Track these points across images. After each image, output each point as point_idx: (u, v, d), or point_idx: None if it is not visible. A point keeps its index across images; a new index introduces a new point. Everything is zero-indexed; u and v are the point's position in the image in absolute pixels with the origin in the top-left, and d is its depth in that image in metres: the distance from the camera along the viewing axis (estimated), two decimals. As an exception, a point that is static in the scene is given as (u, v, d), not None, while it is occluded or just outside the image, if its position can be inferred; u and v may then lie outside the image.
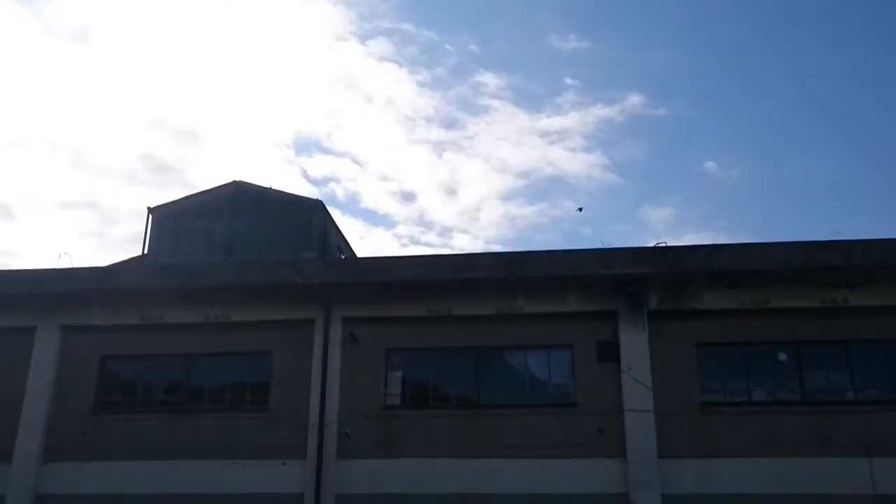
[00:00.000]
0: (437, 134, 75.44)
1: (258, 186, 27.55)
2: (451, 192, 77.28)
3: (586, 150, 73.35)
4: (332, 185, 73.06)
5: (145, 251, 26.34)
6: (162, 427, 16.30)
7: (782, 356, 15.39)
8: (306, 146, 77.16)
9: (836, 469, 14.29)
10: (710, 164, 69.02)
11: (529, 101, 76.71)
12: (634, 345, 15.35)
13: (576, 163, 72.12)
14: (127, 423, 16.48)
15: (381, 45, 78.59)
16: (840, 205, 62.40)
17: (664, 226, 68.89)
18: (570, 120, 71.78)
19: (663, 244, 16.21)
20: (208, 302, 16.58)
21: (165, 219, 26.81)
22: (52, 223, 64.55)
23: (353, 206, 72.54)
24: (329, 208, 27.83)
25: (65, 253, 28.97)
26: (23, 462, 16.21)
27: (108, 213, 67.30)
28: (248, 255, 24.16)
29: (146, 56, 73.30)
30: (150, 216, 26.95)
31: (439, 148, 75.53)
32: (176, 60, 73.85)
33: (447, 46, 78.11)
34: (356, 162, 75.11)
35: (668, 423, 14.87)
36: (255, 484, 15.48)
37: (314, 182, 73.94)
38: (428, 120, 77.56)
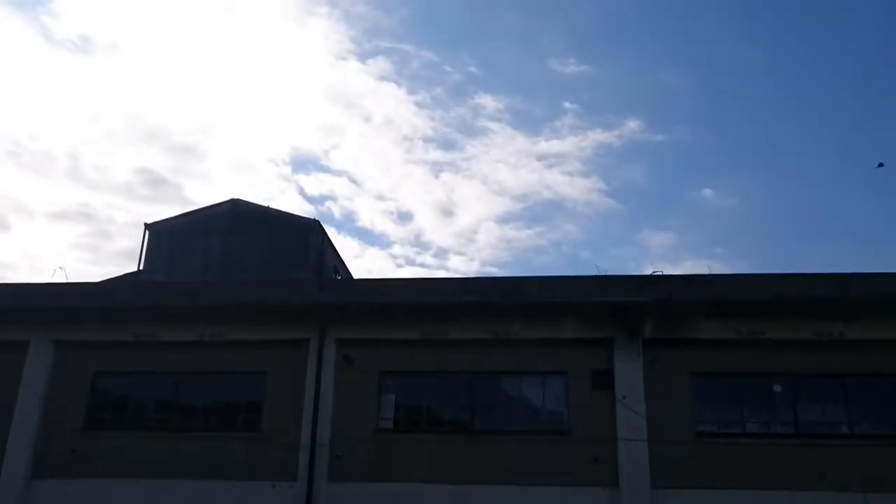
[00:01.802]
0: (435, 155, 75.78)
1: (256, 205, 27.61)
2: (448, 213, 77.45)
3: (584, 174, 73.67)
4: (328, 203, 73.21)
5: (141, 267, 26.31)
6: (153, 445, 16.16)
7: (777, 388, 15.34)
8: (304, 164, 77.39)
9: (829, 503, 14.20)
10: (707, 192, 69.31)
11: (528, 123, 77.17)
12: (629, 373, 15.30)
13: (573, 187, 72.40)
14: (117, 441, 16.32)
15: (380, 65, 79.10)
16: (837, 235, 62.64)
17: (664, 251, 69.04)
18: (568, 144, 72.17)
19: (659, 273, 16.24)
20: (203, 320, 16.50)
21: (162, 235, 26.83)
22: (45, 235, 64.49)
23: (349, 224, 72.64)
24: (325, 227, 27.88)
25: (60, 268, 28.92)
26: (11, 477, 16.04)
27: (103, 226, 67.27)
28: (244, 274, 24.16)
29: (145, 70, 73.64)
30: (147, 232, 26.97)
31: (437, 169, 75.83)
32: (175, 75, 74.21)
33: (447, 67, 78.66)
34: (353, 181, 75.35)
35: (661, 452, 14.79)
36: (245, 505, 15.31)
37: (311, 200, 74.04)
38: (426, 140, 77.91)
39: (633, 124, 73.31)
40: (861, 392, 15.22)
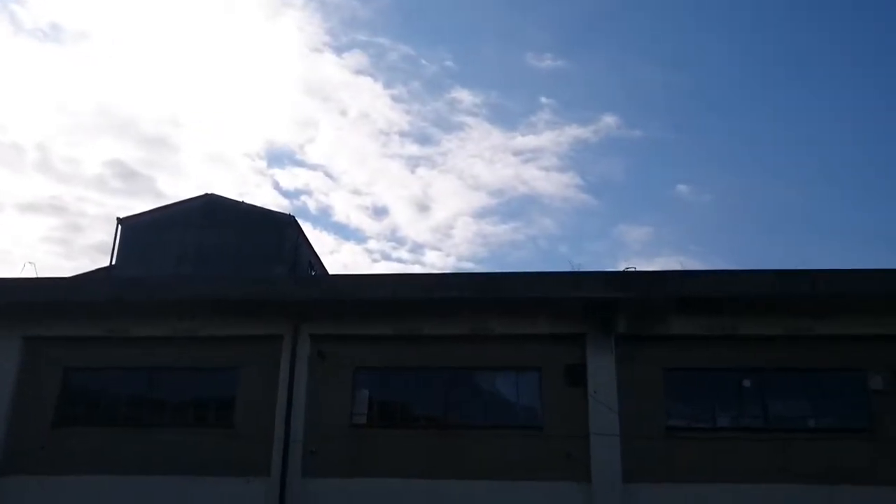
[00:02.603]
0: (411, 149, 75.79)
1: (230, 200, 27.48)
2: (424, 208, 77.49)
3: (560, 169, 74.01)
4: (303, 197, 72.99)
5: (113, 262, 26.10)
6: (124, 441, 16.06)
7: (746, 383, 15.54)
8: (279, 158, 77.07)
9: (797, 495, 14.44)
10: (682, 188, 69.87)
11: (504, 118, 77.39)
12: (602, 369, 15.42)
13: (550, 182, 72.72)
14: (89, 437, 16.21)
15: (356, 58, 78.95)
16: (809, 232, 63.40)
17: (641, 245, 69.58)
18: (545, 139, 72.45)
19: (633, 269, 16.38)
20: (175, 316, 16.42)
21: (135, 230, 26.63)
22: (15, 228, 63.67)
23: (324, 219, 72.48)
24: (300, 221, 27.82)
25: (30, 262, 28.59)
26: (-21, 475, 15.85)
27: (74, 219, 66.49)
28: (218, 269, 24.04)
29: (117, 61, 72.90)
30: (120, 227, 26.75)
31: (413, 163, 75.84)
32: (148, 65, 73.56)
33: (423, 61, 78.66)
34: (329, 175, 75.18)
35: (633, 447, 14.94)
36: (218, 501, 15.27)
37: (286, 194, 73.80)
38: (402, 135, 77.89)
39: (609, 120, 73.83)
40: (827, 387, 15.45)
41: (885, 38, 68.20)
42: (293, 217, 27.31)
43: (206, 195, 27.42)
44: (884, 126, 65.98)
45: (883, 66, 66.27)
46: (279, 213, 27.94)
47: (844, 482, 14.42)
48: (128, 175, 68.01)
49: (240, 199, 27.89)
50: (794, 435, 15.07)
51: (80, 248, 65.45)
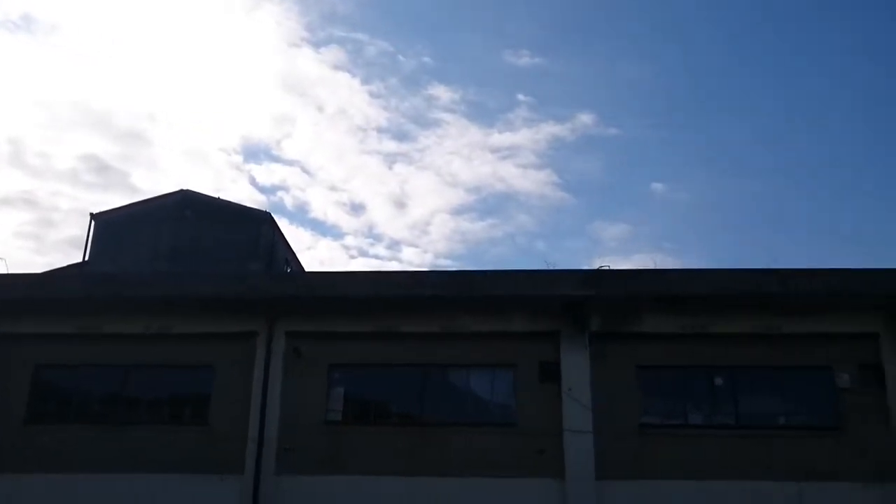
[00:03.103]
0: (389, 146, 75.71)
1: (206, 196, 27.33)
2: (401, 204, 77.44)
3: (537, 167, 74.28)
4: (280, 193, 72.67)
5: (87, 258, 25.86)
6: (97, 439, 15.94)
7: (719, 380, 15.73)
8: (255, 153, 76.64)
9: (767, 492, 14.62)
10: (658, 186, 70.39)
11: (481, 115, 77.53)
12: (576, 366, 15.53)
13: (527, 179, 72.95)
14: (61, 435, 16.07)
15: (334, 53, 78.71)
16: (780, 231, 64.13)
17: (617, 243, 69.99)
18: (522, 136, 72.68)
19: (607, 267, 16.52)
20: (149, 312, 16.33)
21: (109, 225, 26.41)
22: (-14, 221, 62.82)
23: (301, 215, 72.21)
24: (277, 217, 27.79)
25: (0, 258, 28.23)
26: (-52, 473, 15.66)
27: (47, 214, 65.69)
28: (193, 265, 23.91)
29: (91, 53, 72.17)
30: (93, 222, 26.50)
31: (390, 160, 75.76)
32: (123, 58, 72.88)
33: (401, 57, 78.57)
34: (306, 171, 74.94)
35: (607, 444, 15.06)
36: (192, 499, 15.21)
37: (262, 190, 73.39)
38: (380, 131, 77.77)
39: (586, 118, 74.22)
40: (798, 385, 15.68)
41: (856, 39, 69.13)
42: (269, 213, 27.26)
43: (182, 191, 27.25)
44: (858, 126, 66.96)
45: (856, 66, 67.19)
46: (255, 209, 27.85)
47: (813, 479, 14.63)
48: (102, 169, 67.37)
49: (216, 195, 27.80)
50: (765, 432, 15.27)
51: (53, 243, 64.73)
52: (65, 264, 26.00)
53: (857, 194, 64.60)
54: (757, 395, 15.73)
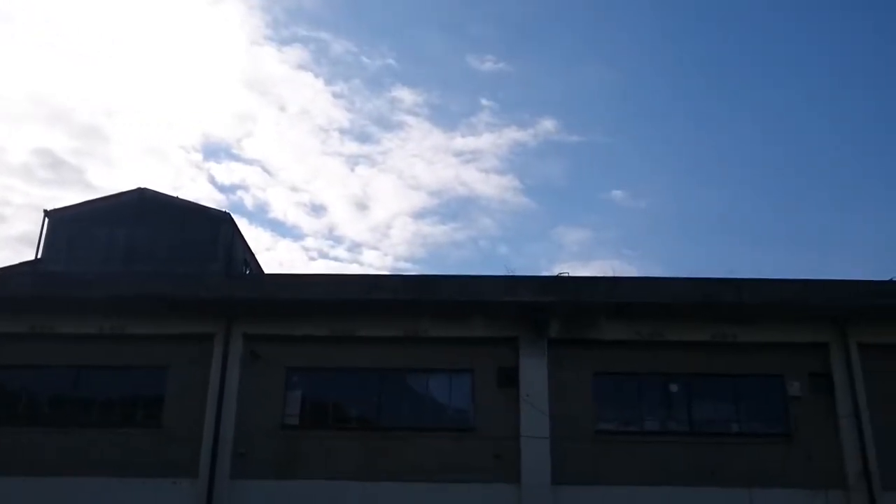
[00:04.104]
0: (351, 147, 75.34)
1: (164, 195, 26.87)
2: (363, 206, 77.11)
3: (500, 172, 74.51)
4: (240, 192, 71.85)
5: (39, 256, 25.28)
6: (48, 441, 15.62)
7: (673, 387, 15.96)
8: (215, 151, 75.70)
9: (720, 499, 14.89)
10: (617, 193, 71.14)
11: (445, 119, 77.59)
12: (534, 371, 15.64)
13: (489, 184, 73.14)
14: (10, 437, 15.70)
15: (297, 53, 78.16)
16: (737, 240, 65.20)
17: (579, 247, 70.44)
18: (484, 141, 72.85)
19: (566, 274, 16.67)
20: (103, 313, 16.05)
21: (63, 223, 25.82)
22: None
23: (261, 215, 71.49)
24: (236, 217, 27.42)
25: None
26: None
27: (-2, 209, 64.13)
28: (150, 266, 23.49)
29: (46, 45, 70.77)
30: (47, 219, 25.91)
31: (352, 161, 75.39)
32: (80, 52, 71.56)
33: (364, 59, 78.33)
34: (266, 171, 74.20)
35: (563, 450, 15.20)
36: (145, 502, 14.98)
37: (222, 189, 72.48)
38: (342, 132, 77.39)
39: (548, 123, 74.69)
40: (750, 392, 15.98)
41: (823, 45, 70.68)
42: (229, 214, 26.81)
43: (139, 189, 26.76)
44: (817, 135, 68.42)
45: (820, 73, 68.70)
46: (214, 209, 27.40)
47: (763, 485, 14.95)
48: (56, 165, 65.93)
49: (174, 193, 27.37)
50: (718, 439, 15.54)
51: (3, 240, 63.27)
52: (16, 262, 25.42)
53: (815, 204, 66.00)
54: (710, 403, 15.99)
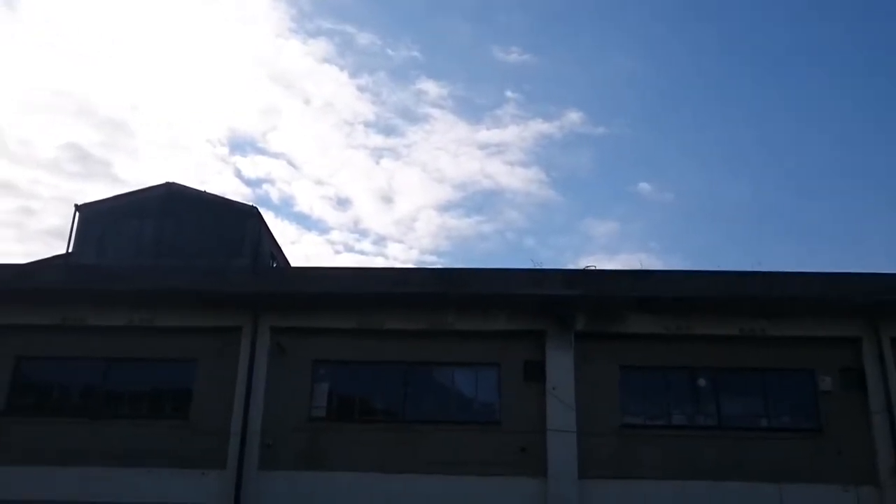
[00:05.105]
0: (376, 140, 75.45)
1: (191, 189, 27.14)
2: (388, 200, 77.25)
3: (525, 164, 74.28)
4: (266, 186, 72.27)
5: (70, 250, 25.64)
6: (77, 432, 15.82)
7: (701, 382, 15.82)
8: (241, 145, 76.20)
9: (748, 493, 14.73)
10: (644, 186, 70.61)
11: (469, 111, 77.47)
12: (560, 365, 15.58)
13: (514, 177, 72.97)
14: (40, 427, 15.92)
15: (321, 46, 78.39)
16: (766, 233, 64.48)
17: (607, 240, 70.08)
18: (510, 133, 72.66)
19: (592, 267, 16.61)
20: (132, 306, 16.23)
21: (93, 217, 26.16)
22: (-35, 210, 62.08)
23: (286, 209, 71.90)
24: (262, 210, 27.57)
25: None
26: (-75, 464, 15.49)
27: (28, 203, 65.02)
28: (177, 259, 23.72)
29: (74, 40, 71.55)
30: (78, 214, 26.27)
31: (377, 154, 75.54)
32: (107, 47, 72.26)
33: (389, 51, 78.36)
34: (292, 164, 74.56)
35: (589, 443, 15.13)
36: (173, 493, 15.13)
37: (248, 183, 73.01)
38: (367, 125, 77.53)
39: (574, 115, 74.30)
40: (779, 387, 15.80)
41: (857, 40, 69.60)
42: (255, 208, 27.01)
43: (168, 184, 27.04)
44: (850, 128, 67.36)
45: (851, 67, 67.62)
46: (241, 203, 27.62)
47: (793, 481, 14.77)
48: (84, 158, 66.71)
49: (200, 187, 27.62)
50: (747, 434, 15.37)
51: (34, 233, 64.09)
52: (45, 254, 25.84)
53: (845, 197, 65.07)
54: (739, 397, 15.83)
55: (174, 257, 24.15)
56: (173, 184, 27.05)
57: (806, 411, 15.55)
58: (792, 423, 15.61)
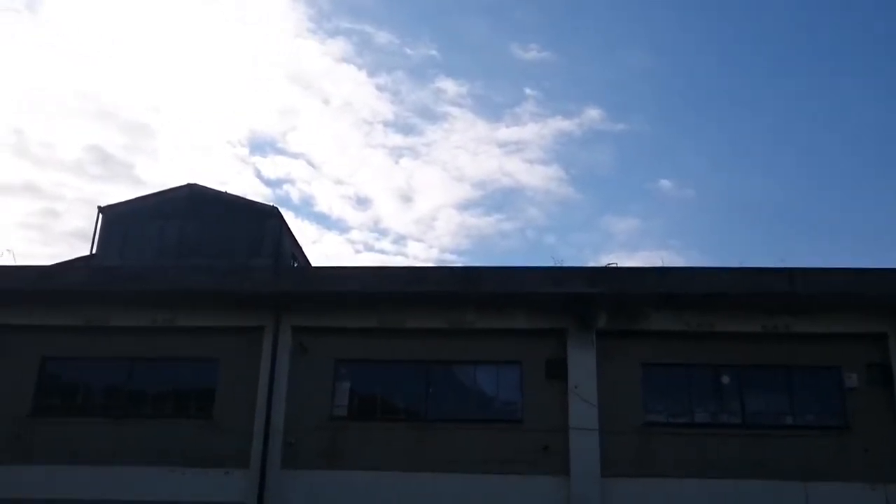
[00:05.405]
0: (395, 139, 75.52)
1: (213, 190, 27.36)
2: (407, 199, 77.34)
3: (544, 162, 74.08)
4: (286, 186, 72.59)
5: (94, 251, 25.92)
6: (102, 431, 15.98)
7: (725, 379, 15.68)
8: (261, 146, 76.55)
9: (773, 492, 14.59)
10: (665, 183, 70.19)
11: (488, 109, 77.34)
12: (582, 363, 15.51)
13: (533, 175, 72.79)
14: (66, 427, 16.11)
15: (339, 45, 78.57)
16: (788, 229, 63.90)
17: (627, 237, 69.74)
18: (529, 131, 72.48)
19: (613, 265, 16.50)
20: (156, 306, 16.35)
21: (116, 219, 26.45)
22: (-9, 213, 62.83)
23: (306, 209, 72.17)
24: (282, 210, 27.73)
25: (8, 250, 28.30)
26: (-46, 464, 15.70)
27: (52, 205, 65.72)
28: (199, 260, 23.91)
29: (97, 44, 72.18)
30: (101, 216, 26.56)
31: (396, 154, 75.62)
32: (128, 50, 72.85)
33: (407, 50, 78.41)
34: (311, 164, 74.82)
35: (611, 442, 15.05)
36: (197, 492, 15.24)
37: (268, 183, 73.33)
38: (386, 124, 77.62)
39: (593, 113, 74.02)
40: (804, 384, 15.62)
41: (881, 33, 68.74)
42: (276, 208, 27.21)
43: (189, 185, 27.28)
44: (873, 124, 66.55)
45: (875, 63, 66.79)
46: (262, 203, 27.82)
47: (819, 479, 14.60)
48: (106, 160, 67.32)
49: (221, 188, 27.82)
50: (771, 432, 15.23)
51: (58, 235, 64.77)
52: (70, 255, 26.12)
53: (869, 192, 64.27)
54: (764, 395, 15.66)
55: (196, 258, 24.35)
56: (195, 185, 27.27)
57: (832, 409, 15.37)
58: (817, 420, 15.44)
